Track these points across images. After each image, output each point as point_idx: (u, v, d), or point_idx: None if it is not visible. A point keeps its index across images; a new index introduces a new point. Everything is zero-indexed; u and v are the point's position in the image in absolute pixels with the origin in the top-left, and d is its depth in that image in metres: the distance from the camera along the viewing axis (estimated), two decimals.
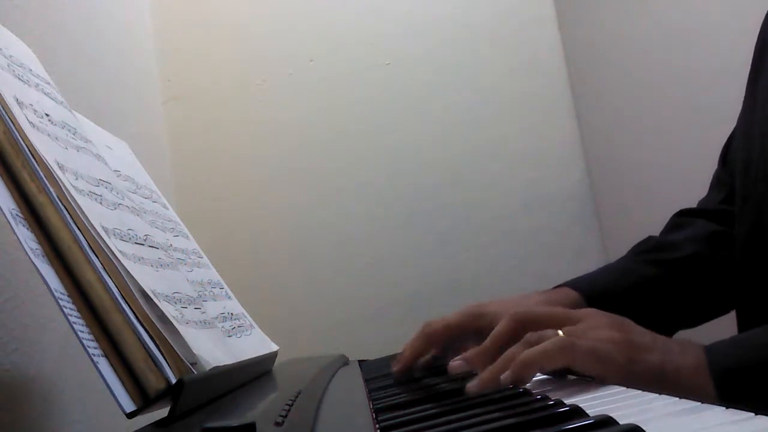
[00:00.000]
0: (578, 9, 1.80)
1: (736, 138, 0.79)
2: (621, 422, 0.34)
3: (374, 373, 0.78)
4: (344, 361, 0.93)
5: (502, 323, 0.57)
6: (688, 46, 1.77)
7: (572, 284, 0.77)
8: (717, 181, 0.86)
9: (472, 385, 0.51)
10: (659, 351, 0.51)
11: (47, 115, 0.54)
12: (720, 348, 0.51)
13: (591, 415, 0.36)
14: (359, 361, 0.97)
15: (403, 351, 0.73)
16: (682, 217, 0.87)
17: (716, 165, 0.88)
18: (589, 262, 1.24)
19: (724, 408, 0.35)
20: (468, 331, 0.70)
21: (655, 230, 0.91)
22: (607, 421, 0.34)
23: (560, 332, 0.52)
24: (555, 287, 0.78)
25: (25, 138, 0.48)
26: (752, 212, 0.69)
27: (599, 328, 0.52)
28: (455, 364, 0.56)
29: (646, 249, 0.83)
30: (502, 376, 0.50)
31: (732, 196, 0.80)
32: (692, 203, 0.92)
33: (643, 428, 0.32)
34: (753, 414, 0.33)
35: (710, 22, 1.75)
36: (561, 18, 1.46)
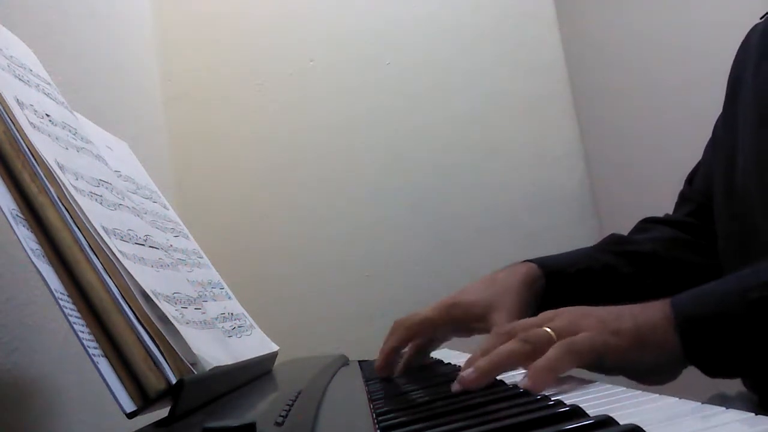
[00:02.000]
0: (578, 9, 1.80)
1: (714, 158, 0.83)
2: (621, 422, 0.34)
3: (374, 373, 0.78)
4: (344, 361, 0.93)
5: (489, 340, 0.58)
6: (688, 45, 1.77)
7: (533, 260, 0.82)
8: (683, 198, 0.92)
9: (465, 375, 0.52)
10: (628, 317, 0.53)
11: (48, 115, 0.55)
12: (682, 299, 0.54)
13: (591, 415, 0.36)
14: (359, 361, 0.97)
15: (381, 349, 0.75)
16: (647, 223, 0.92)
17: None
18: None
19: (724, 408, 0.35)
20: (445, 323, 0.74)
21: None
22: (607, 421, 0.34)
23: (548, 329, 0.55)
24: (520, 262, 0.82)
25: (25, 138, 0.48)
26: (739, 226, 0.73)
27: (576, 319, 0.55)
28: (456, 387, 0.54)
29: (609, 242, 0.88)
30: (521, 383, 0.50)
31: (697, 211, 0.87)
32: None
33: (643, 428, 0.32)
34: (753, 414, 0.33)
35: (710, 22, 1.75)
36: (561, 18, 1.46)
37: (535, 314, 0.76)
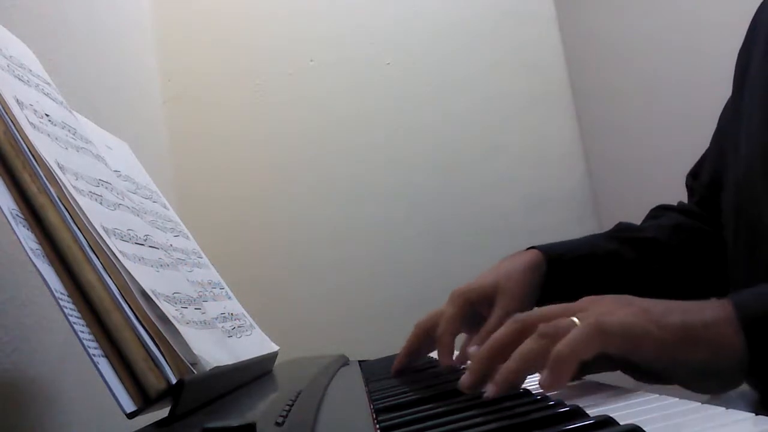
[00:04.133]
0: (578, 8, 1.80)
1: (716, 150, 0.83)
2: (621, 422, 0.34)
3: (374, 373, 0.78)
4: (344, 361, 0.93)
5: (503, 329, 0.53)
6: (688, 45, 1.77)
7: (537, 246, 0.81)
8: (690, 191, 0.92)
9: (488, 390, 0.47)
10: (678, 312, 0.48)
11: (47, 115, 0.55)
12: (745, 298, 0.49)
13: (591, 415, 0.36)
14: (359, 361, 0.97)
15: (402, 350, 0.75)
16: (659, 210, 0.92)
17: None
18: None
19: (724, 408, 0.35)
20: (467, 313, 0.73)
21: None
22: (607, 421, 0.34)
23: (575, 318, 0.48)
24: (525, 249, 0.82)
25: (25, 138, 0.48)
26: (745, 218, 0.71)
27: (609, 306, 0.49)
28: (466, 382, 0.51)
29: (616, 229, 0.88)
30: (540, 380, 0.46)
31: (700, 203, 0.87)
32: None
33: (643, 428, 0.32)
34: (753, 414, 0.33)
35: (710, 22, 1.75)
36: (561, 17, 1.46)
37: (539, 301, 0.75)
